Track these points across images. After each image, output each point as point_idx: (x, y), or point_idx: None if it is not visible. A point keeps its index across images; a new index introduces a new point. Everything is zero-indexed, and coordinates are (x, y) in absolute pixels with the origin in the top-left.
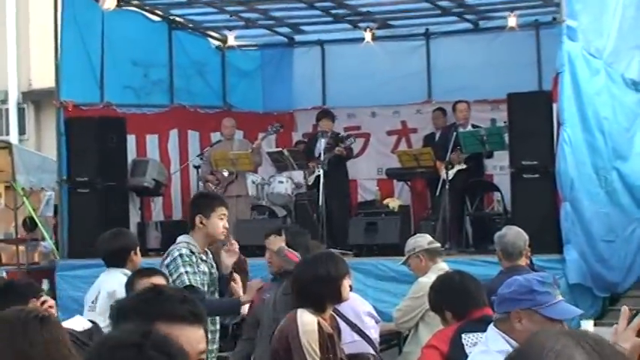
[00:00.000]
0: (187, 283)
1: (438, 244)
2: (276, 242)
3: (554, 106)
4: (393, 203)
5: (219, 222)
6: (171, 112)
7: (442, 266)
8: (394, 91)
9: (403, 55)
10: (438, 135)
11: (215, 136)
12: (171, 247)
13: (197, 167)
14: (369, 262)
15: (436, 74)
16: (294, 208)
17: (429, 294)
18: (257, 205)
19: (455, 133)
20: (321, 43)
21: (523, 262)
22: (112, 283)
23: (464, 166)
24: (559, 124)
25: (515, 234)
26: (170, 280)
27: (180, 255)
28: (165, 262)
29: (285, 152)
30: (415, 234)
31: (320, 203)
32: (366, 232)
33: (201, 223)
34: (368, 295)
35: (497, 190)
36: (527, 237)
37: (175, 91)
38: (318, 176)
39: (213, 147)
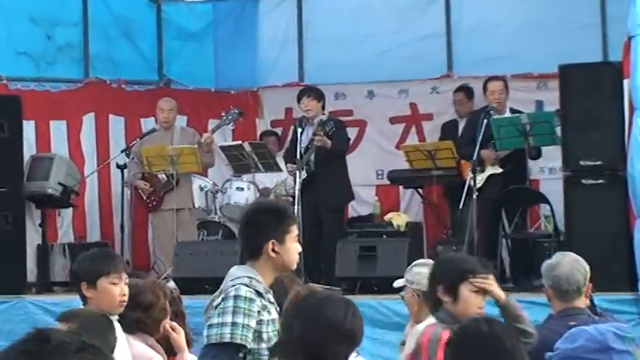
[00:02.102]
0: (227, 340)
1: None
2: None
3: (625, 83)
4: (399, 220)
5: (295, 246)
6: (86, 90)
7: None
8: (400, 61)
9: (413, 12)
10: (462, 123)
11: (147, 124)
12: (225, 283)
13: (122, 167)
14: (365, 302)
15: (459, 39)
16: None
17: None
18: (206, 220)
19: (486, 122)
20: None
21: (582, 302)
22: None
23: (499, 169)
24: (632, 109)
25: (570, 264)
26: (205, 325)
27: (237, 297)
28: (216, 301)
29: (247, 147)
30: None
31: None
32: (361, 261)
33: (273, 250)
34: (364, 350)
35: (546, 201)
36: (587, 268)
37: (91, 61)
38: (305, 180)
39: (144, 139)
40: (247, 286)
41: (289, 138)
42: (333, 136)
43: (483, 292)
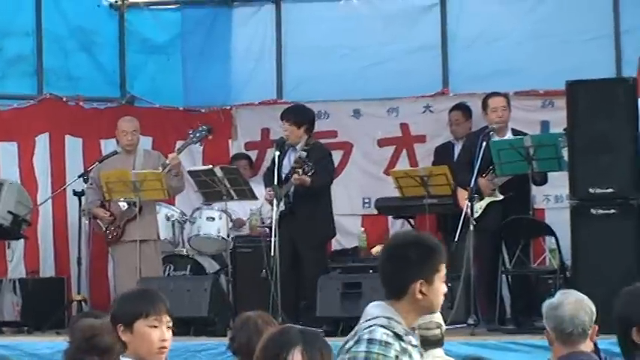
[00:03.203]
0: None
1: (436, 331)
2: None
3: None
4: None
5: (443, 288)
6: (40, 107)
7: (437, 354)
8: (390, 76)
9: (404, 21)
10: (458, 146)
11: (108, 145)
12: (359, 323)
13: (79, 194)
14: None
15: (456, 52)
16: (232, 259)
17: None
18: (173, 254)
19: (485, 144)
20: None
21: (587, 346)
22: None
23: (499, 197)
24: None
25: (575, 303)
26: None
27: (371, 341)
28: (348, 344)
29: (218, 172)
30: None
31: (273, 252)
32: (344, 299)
33: (420, 292)
34: None
35: (551, 233)
36: (593, 308)
37: (46, 75)
38: (283, 213)
39: (104, 162)
40: (385, 327)
41: (272, 158)
42: (313, 174)
43: None
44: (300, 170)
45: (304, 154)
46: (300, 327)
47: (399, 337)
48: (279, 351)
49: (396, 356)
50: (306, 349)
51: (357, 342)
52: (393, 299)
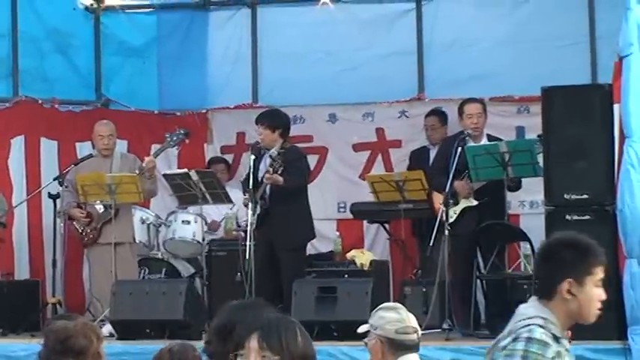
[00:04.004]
0: None
1: (413, 336)
2: None
3: (616, 108)
4: (362, 258)
5: (597, 293)
6: (15, 110)
7: (412, 359)
8: (365, 81)
9: (380, 26)
10: (434, 151)
11: (83, 148)
12: (513, 323)
13: (54, 197)
14: (323, 349)
15: (432, 57)
16: (207, 262)
17: None
18: (148, 257)
19: (461, 149)
20: (252, 4)
21: None
22: None
23: (474, 202)
24: (623, 137)
25: None
26: None
27: (529, 340)
28: (503, 342)
29: (193, 176)
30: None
31: (248, 256)
32: (319, 303)
33: (569, 292)
34: None
35: (526, 239)
36: None
37: (21, 77)
38: (260, 215)
39: (80, 165)
40: (542, 327)
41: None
42: (285, 172)
43: None
44: (272, 169)
45: (276, 152)
46: (269, 314)
47: (556, 338)
48: (240, 339)
49: (553, 357)
50: (262, 335)
51: (515, 340)
52: (544, 299)
